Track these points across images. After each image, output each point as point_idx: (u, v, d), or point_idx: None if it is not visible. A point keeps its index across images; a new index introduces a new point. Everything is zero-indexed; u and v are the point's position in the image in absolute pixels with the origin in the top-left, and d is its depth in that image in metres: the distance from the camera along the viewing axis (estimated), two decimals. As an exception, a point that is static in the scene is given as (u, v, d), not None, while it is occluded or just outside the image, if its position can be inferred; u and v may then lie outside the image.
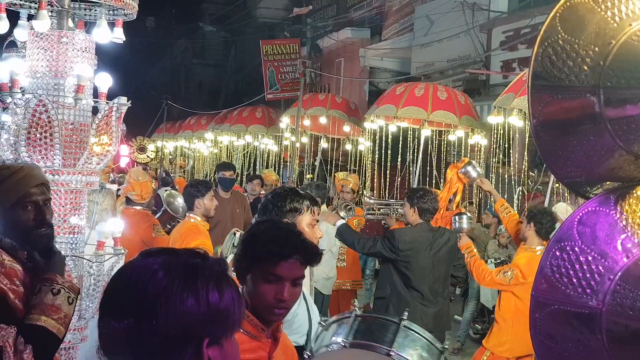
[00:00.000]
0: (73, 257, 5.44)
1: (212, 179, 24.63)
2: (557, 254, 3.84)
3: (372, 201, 12.29)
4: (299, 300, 4.19)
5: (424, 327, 8.24)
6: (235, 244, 5.04)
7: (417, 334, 4.13)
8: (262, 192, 15.47)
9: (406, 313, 4.07)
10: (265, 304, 3.36)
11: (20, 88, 5.30)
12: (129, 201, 9.46)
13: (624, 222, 3.80)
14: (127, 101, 5.71)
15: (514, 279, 8.41)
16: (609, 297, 3.68)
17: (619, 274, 3.69)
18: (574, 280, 3.77)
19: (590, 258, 3.76)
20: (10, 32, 5.87)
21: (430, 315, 8.33)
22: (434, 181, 15.23)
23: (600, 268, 3.73)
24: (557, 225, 8.85)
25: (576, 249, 3.80)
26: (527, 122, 11.25)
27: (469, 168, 9.98)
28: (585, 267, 3.76)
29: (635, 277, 3.67)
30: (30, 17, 5.66)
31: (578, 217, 3.90)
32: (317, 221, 4.47)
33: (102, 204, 6.55)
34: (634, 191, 3.91)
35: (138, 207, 9.47)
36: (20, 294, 3.82)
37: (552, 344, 3.88)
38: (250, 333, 3.29)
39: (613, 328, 3.68)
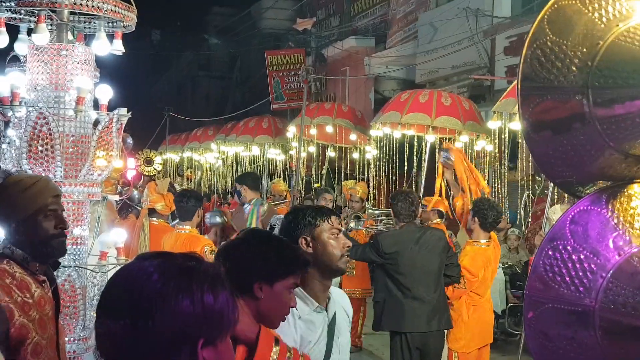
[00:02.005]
0: (77, 268, 5.49)
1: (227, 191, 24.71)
2: (550, 253, 3.88)
3: (377, 212, 12.30)
4: (317, 340, 4.12)
5: (420, 329, 8.24)
6: None
7: None
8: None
9: None
10: (284, 312, 3.47)
11: (21, 101, 5.34)
12: (151, 213, 9.47)
13: (616, 221, 3.83)
14: (128, 112, 5.76)
15: (468, 283, 8.80)
16: (602, 295, 3.72)
17: (611, 271, 3.73)
18: (567, 278, 3.81)
19: (582, 256, 3.80)
20: (11, 46, 5.94)
21: (425, 313, 8.35)
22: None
23: (593, 266, 3.77)
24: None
25: (569, 247, 3.84)
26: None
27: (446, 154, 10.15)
28: (577, 265, 3.79)
29: (627, 274, 3.71)
30: (30, 31, 5.71)
31: (570, 216, 3.93)
32: (340, 230, 4.32)
33: (94, 214, 6.59)
34: (625, 190, 3.95)
35: (158, 220, 9.48)
36: (29, 306, 3.86)
37: (547, 342, 3.91)
38: None
39: (606, 325, 3.71)
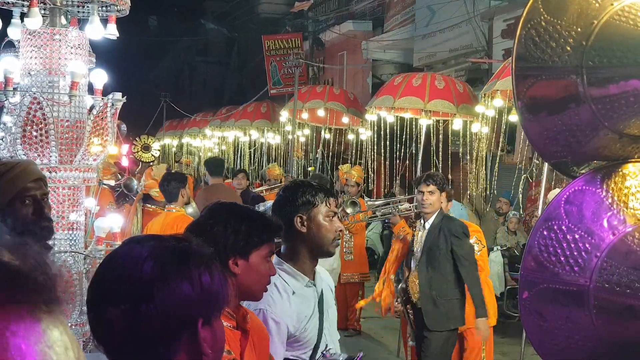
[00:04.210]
0: (72, 254, 5.49)
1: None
2: (545, 233, 3.88)
3: (378, 203, 12.29)
4: (311, 313, 4.16)
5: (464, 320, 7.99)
6: None
7: None
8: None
9: None
10: (265, 283, 3.40)
11: (15, 87, 5.32)
12: (146, 199, 9.43)
13: (610, 200, 3.83)
14: (123, 97, 5.74)
15: (479, 246, 8.69)
16: (596, 274, 3.72)
17: (606, 251, 3.73)
18: (562, 258, 3.81)
19: (577, 236, 3.80)
20: (4, 31, 5.91)
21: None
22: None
23: (587, 246, 3.77)
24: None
25: (563, 227, 3.84)
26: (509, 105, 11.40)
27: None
28: (572, 245, 3.79)
29: (622, 253, 3.71)
30: (23, 16, 5.68)
31: (565, 196, 3.93)
32: (335, 213, 4.29)
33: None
34: (620, 169, 3.95)
35: (153, 206, 9.44)
36: None
37: (542, 322, 3.91)
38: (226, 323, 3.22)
39: (600, 304, 3.72)
